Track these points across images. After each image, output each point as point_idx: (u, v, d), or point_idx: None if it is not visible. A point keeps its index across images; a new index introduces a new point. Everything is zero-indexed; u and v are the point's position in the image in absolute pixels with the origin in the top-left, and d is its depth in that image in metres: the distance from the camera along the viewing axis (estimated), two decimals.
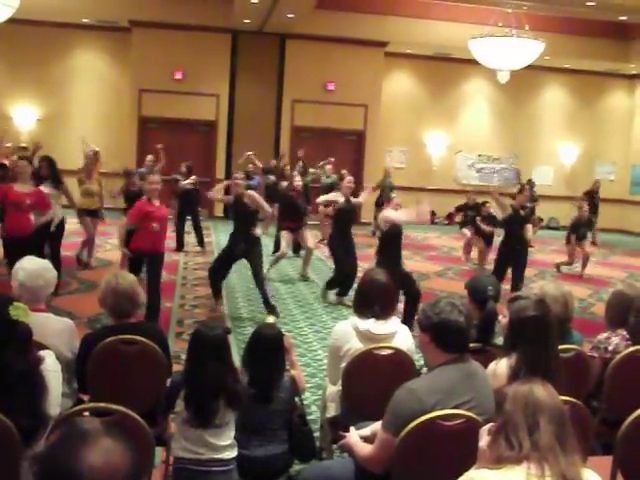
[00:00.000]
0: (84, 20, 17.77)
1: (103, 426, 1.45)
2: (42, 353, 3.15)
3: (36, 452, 1.42)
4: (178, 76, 17.64)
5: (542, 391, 2.20)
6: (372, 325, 4.09)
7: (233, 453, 3.59)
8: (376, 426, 3.25)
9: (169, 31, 17.33)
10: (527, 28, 13.42)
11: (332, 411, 4.19)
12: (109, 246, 12.53)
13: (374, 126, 18.97)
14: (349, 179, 10.01)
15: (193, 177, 12.81)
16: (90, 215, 10.59)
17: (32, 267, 3.91)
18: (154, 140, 17.45)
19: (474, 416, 2.93)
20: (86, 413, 3.02)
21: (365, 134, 19.03)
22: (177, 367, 5.33)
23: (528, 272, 11.77)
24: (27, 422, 2.95)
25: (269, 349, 3.86)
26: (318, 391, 5.88)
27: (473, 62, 15.31)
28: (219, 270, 8.65)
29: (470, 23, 16.26)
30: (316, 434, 4.28)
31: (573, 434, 2.16)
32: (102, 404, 2.99)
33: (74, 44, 18.33)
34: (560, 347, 3.74)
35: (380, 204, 14.84)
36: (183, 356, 5.51)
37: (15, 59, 17.83)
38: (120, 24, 17.67)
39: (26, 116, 18.19)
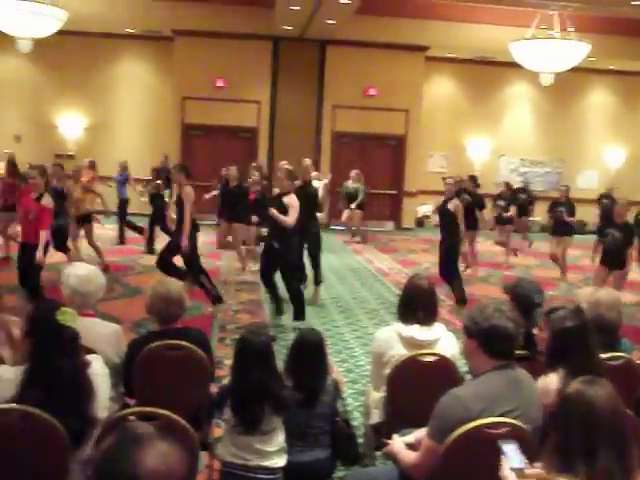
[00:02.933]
0: (128, 30, 18.04)
1: (156, 430, 1.47)
2: (90, 357, 3.21)
3: (91, 455, 1.43)
4: (220, 83, 17.79)
5: (601, 402, 2.14)
6: (416, 331, 4.07)
7: (282, 459, 3.60)
8: (420, 433, 3.23)
9: (211, 39, 17.49)
10: (570, 29, 13.23)
11: (375, 417, 4.18)
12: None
13: (415, 131, 18.88)
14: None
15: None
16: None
17: (83, 273, 3.98)
18: (197, 147, 17.68)
19: (520, 424, 2.89)
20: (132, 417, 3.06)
21: (406, 139, 18.94)
22: (219, 372, 5.39)
23: (574, 277, 11.62)
24: (76, 425, 3.00)
25: (313, 353, 3.87)
26: (360, 397, 5.86)
27: (515, 65, 15.14)
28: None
29: (512, 26, 16.06)
30: (359, 440, 4.26)
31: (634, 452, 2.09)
32: (149, 408, 3.02)
33: (119, 54, 18.63)
34: (609, 355, 3.68)
35: None
36: (226, 361, 5.58)
37: (62, 69, 18.18)
38: (163, 33, 17.89)
39: (72, 125, 18.51)
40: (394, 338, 4.10)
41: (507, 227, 13.56)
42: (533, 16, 13.84)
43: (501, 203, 13.58)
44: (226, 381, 4.38)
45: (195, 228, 8.63)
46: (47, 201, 7.92)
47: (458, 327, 6.67)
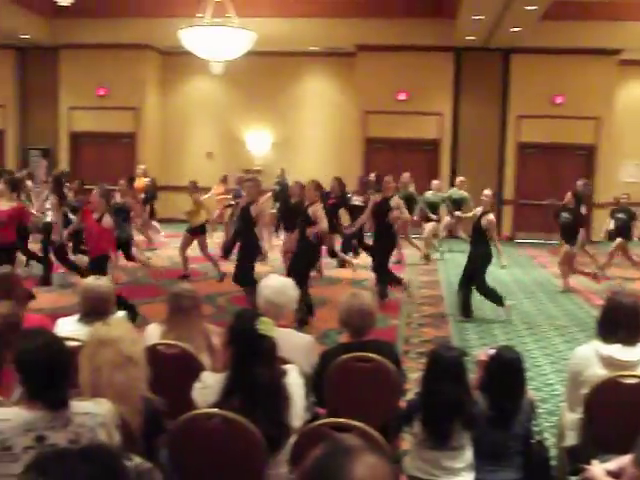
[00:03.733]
0: (312, 48, 18.57)
1: (363, 443, 1.48)
2: (286, 367, 3.30)
3: (301, 466, 1.46)
4: (402, 97, 17.87)
5: None
6: (617, 351, 3.84)
7: (469, 476, 3.52)
8: (623, 460, 3.03)
9: (392, 53, 17.62)
10: None
11: (571, 440, 3.98)
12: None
13: (607, 139, 17.91)
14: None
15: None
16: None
17: (277, 284, 4.12)
18: (379, 160, 17.83)
19: None
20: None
21: (597, 148, 18.02)
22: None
23: None
24: (272, 432, 3.10)
25: (510, 371, 3.74)
26: (550, 417, 5.65)
27: None
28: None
29: None
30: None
31: None
32: (343, 420, 3.06)
33: (302, 71, 19.21)
34: None
35: None
36: (410, 375, 5.56)
37: (250, 88, 19.01)
38: (346, 49, 18.25)
39: (260, 141, 19.31)
40: (593, 357, 3.89)
41: None
42: None
43: None
44: (411, 395, 4.36)
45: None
46: (107, 221, 8.26)
47: None
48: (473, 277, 9.16)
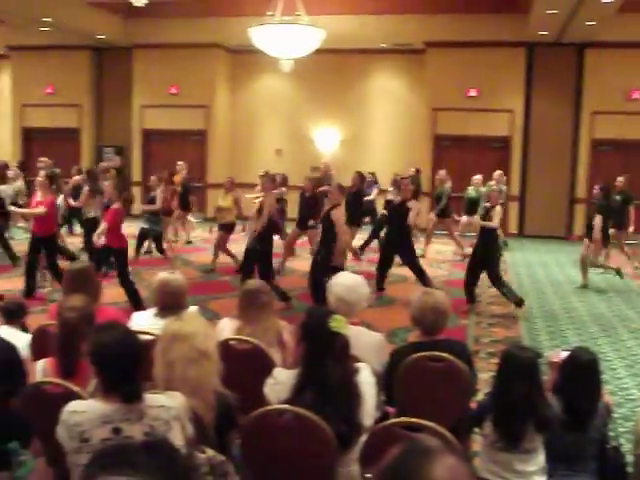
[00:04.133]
0: (381, 45, 18.49)
1: (442, 444, 1.45)
2: (358, 365, 3.29)
3: (378, 466, 1.44)
4: (472, 93, 17.64)
5: None
6: None
7: None
8: None
9: (462, 49, 17.41)
10: None
11: None
12: None
13: None
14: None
15: None
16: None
17: (349, 282, 4.11)
18: (448, 158, 17.66)
19: None
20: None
21: None
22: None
23: None
24: (343, 429, 3.09)
25: (587, 374, 3.66)
26: (626, 422, 5.52)
27: None
28: None
29: None
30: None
31: None
32: (414, 419, 3.03)
33: (371, 68, 19.15)
34: None
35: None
36: (480, 375, 5.48)
37: (319, 86, 19.08)
38: (415, 46, 18.12)
39: (328, 138, 19.35)
40: None
41: None
42: None
43: None
44: (481, 395, 4.30)
45: None
46: (117, 205, 9.05)
47: None
48: (485, 267, 9.23)
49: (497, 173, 14.74)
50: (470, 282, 9.35)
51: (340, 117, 19.23)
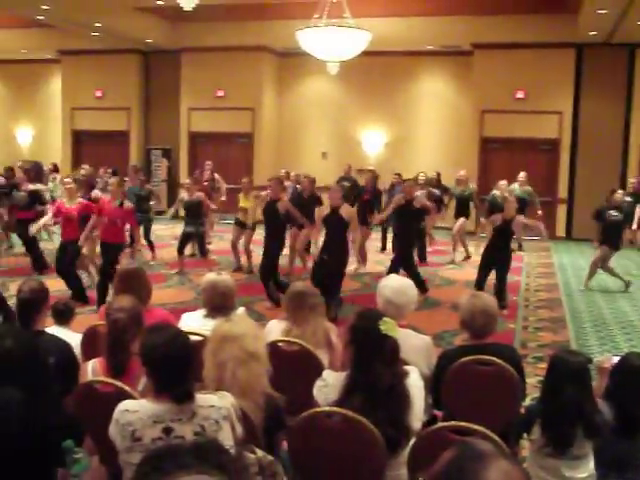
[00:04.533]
0: (428, 47, 18.40)
1: (497, 449, 1.44)
2: (407, 368, 3.28)
3: (431, 470, 1.44)
4: (520, 95, 17.44)
5: None
6: None
7: None
8: None
9: (510, 50, 17.22)
10: None
11: None
12: (451, 265, 12.76)
13: None
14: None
15: None
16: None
17: (397, 284, 4.10)
18: (495, 160, 17.49)
19: None
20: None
21: None
22: None
23: None
24: (392, 432, 3.09)
25: (638, 380, 3.59)
26: None
27: None
28: None
29: None
30: None
31: None
32: (464, 423, 3.01)
33: (418, 70, 19.05)
34: None
35: None
36: (528, 380, 5.40)
37: (365, 88, 19.05)
38: (462, 48, 17.98)
39: (374, 140, 19.32)
40: None
41: None
42: None
43: None
44: (529, 400, 4.25)
45: None
46: (128, 205, 9.42)
47: None
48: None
49: (522, 175, 14.63)
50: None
51: (386, 119, 19.17)
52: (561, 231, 17.36)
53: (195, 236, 12.03)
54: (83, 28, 17.40)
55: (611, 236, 10.80)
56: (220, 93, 19.42)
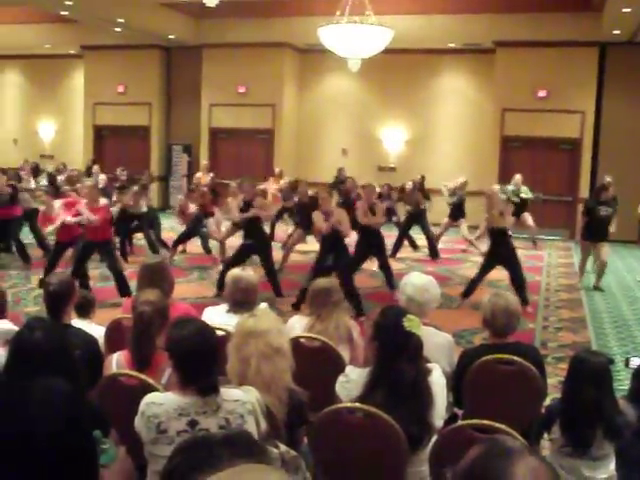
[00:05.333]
0: (450, 45, 18.34)
1: (524, 446, 1.46)
2: (429, 366, 3.29)
3: (457, 467, 1.45)
4: (542, 94, 17.33)
5: None
6: None
7: None
8: None
9: (532, 49, 17.11)
10: None
11: None
12: (469, 264, 12.73)
13: None
14: None
15: None
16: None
17: (420, 282, 4.11)
18: (516, 159, 17.39)
19: None
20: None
21: None
22: None
23: None
24: (414, 430, 3.10)
25: None
26: None
27: None
28: None
29: None
30: None
31: None
32: (486, 421, 3.02)
33: (439, 68, 18.99)
34: None
35: None
36: (548, 380, 5.39)
37: (386, 86, 19.01)
38: (484, 45, 17.90)
39: (394, 138, 19.28)
40: None
41: None
42: None
43: None
44: (549, 400, 4.24)
45: None
46: (104, 202, 9.57)
47: None
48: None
49: (517, 177, 14.68)
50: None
51: (407, 117, 19.13)
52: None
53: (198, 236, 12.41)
54: (106, 23, 17.49)
55: (598, 232, 10.77)
56: (241, 89, 19.46)
